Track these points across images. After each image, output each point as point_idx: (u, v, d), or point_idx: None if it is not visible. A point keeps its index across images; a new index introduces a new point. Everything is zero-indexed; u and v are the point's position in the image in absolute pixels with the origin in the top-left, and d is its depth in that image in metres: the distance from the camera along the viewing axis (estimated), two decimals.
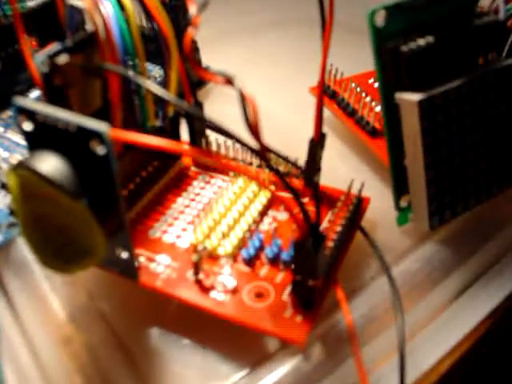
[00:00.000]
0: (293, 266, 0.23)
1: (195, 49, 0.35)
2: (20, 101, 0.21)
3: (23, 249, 0.28)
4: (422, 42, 0.25)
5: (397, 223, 0.28)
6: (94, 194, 0.21)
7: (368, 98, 0.33)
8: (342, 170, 0.32)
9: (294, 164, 0.28)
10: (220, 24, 0.47)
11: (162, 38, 0.26)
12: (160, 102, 0.28)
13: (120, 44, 0.24)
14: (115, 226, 0.22)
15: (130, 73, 0.25)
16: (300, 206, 0.21)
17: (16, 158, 0.32)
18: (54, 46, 0.24)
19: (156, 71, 0.36)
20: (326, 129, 0.27)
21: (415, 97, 0.24)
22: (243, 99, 0.21)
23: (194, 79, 0.29)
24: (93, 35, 0.24)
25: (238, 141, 0.21)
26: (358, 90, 0.34)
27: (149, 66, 0.36)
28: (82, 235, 0.22)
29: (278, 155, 0.26)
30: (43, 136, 0.22)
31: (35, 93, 0.36)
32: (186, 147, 0.28)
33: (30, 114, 0.21)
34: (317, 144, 0.27)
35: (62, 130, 0.21)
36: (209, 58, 0.37)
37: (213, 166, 0.30)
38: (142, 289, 0.25)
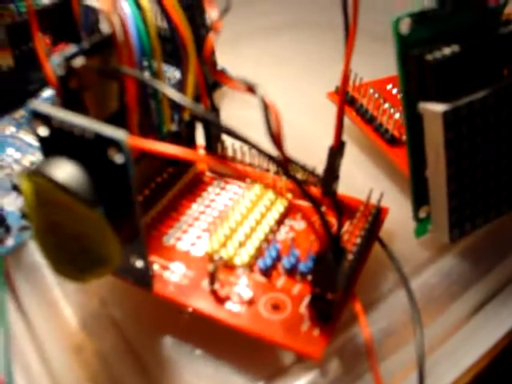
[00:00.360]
0: (311, 279, 0.23)
1: (212, 52, 0.34)
2: (35, 105, 0.21)
3: (35, 253, 0.27)
4: (447, 50, 0.24)
5: (415, 234, 0.27)
6: (109, 201, 0.21)
7: (387, 105, 0.32)
8: (358, 178, 0.31)
9: (312, 173, 0.27)
10: (235, 26, 0.46)
11: (180, 39, 0.26)
12: (176, 106, 0.27)
13: (137, 46, 0.24)
14: (130, 234, 0.22)
15: (147, 76, 0.24)
16: (320, 217, 0.21)
17: (28, 159, 0.31)
18: (70, 49, 0.23)
19: (171, 72, 0.35)
20: (343, 135, 0.26)
21: (440, 107, 0.24)
22: (266, 108, 0.20)
23: (210, 81, 0.28)
24: (110, 37, 0.23)
25: (255, 147, 0.20)
26: (377, 96, 0.33)
27: (163, 67, 0.35)
28: (96, 243, 0.21)
29: (296, 164, 0.26)
30: (59, 142, 0.21)
31: (48, 92, 0.35)
32: (203, 155, 0.27)
33: (46, 119, 0.21)
34: (336, 152, 0.26)
35: (79, 137, 0.20)
36: (223, 59, 0.36)
37: (229, 173, 0.29)
38: (156, 297, 0.24)
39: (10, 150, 0.32)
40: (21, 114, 0.34)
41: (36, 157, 0.31)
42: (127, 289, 0.26)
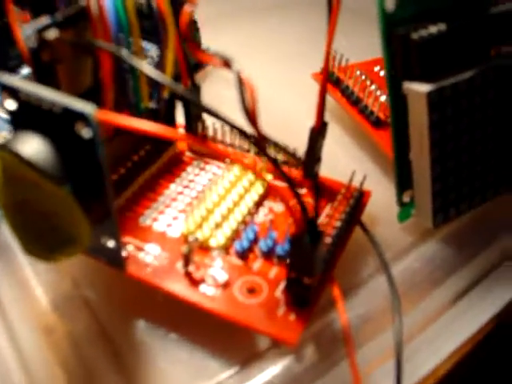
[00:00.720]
0: (288, 262, 0.22)
1: (195, 29, 0.33)
2: (2, 77, 0.20)
3: (5, 232, 0.26)
4: (433, 29, 0.23)
5: (398, 219, 0.26)
6: (79, 179, 0.20)
7: (373, 87, 0.31)
8: (342, 160, 0.30)
9: (293, 154, 0.26)
10: (221, 4, 0.45)
11: (158, 14, 0.25)
12: (155, 83, 0.26)
13: (113, 20, 0.23)
14: (101, 214, 0.21)
15: (123, 52, 0.23)
16: (297, 198, 0.20)
17: (3, 135, 0.30)
18: (42, 20, 0.22)
19: (154, 51, 0.34)
20: (327, 117, 0.25)
21: (424, 88, 0.23)
22: (241, 83, 0.19)
23: (192, 61, 0.27)
24: (85, 9, 0.22)
25: (234, 127, 0.19)
26: (363, 77, 0.32)
27: (146, 45, 0.34)
28: (65, 222, 0.20)
29: (276, 144, 0.25)
30: (27, 116, 0.20)
31: (27, 69, 0.34)
32: (179, 133, 0.26)
33: (13, 92, 0.20)
34: (318, 133, 0.25)
35: (47, 111, 0.19)
36: (208, 39, 0.35)
37: (207, 152, 0.28)
38: (130, 278, 0.23)
39: None
40: None
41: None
42: (101, 269, 0.25)
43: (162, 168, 0.28)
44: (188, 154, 0.29)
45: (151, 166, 0.27)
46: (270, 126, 0.21)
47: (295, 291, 0.22)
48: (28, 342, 0.24)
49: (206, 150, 0.27)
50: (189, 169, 0.28)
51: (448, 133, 0.23)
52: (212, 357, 0.23)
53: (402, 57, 0.23)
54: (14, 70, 0.34)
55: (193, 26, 0.32)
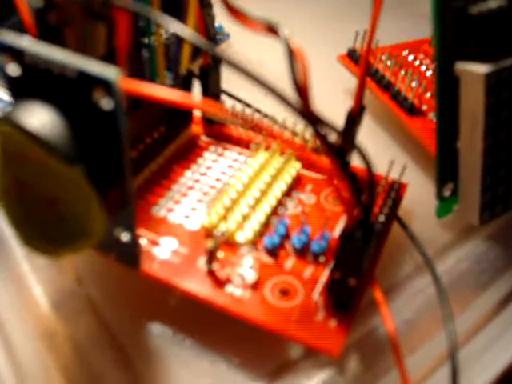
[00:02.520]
0: (334, 261, 0.18)
1: (208, 4, 0.29)
2: (4, 36, 0.16)
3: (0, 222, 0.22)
4: (493, 4, 0.19)
5: (436, 214, 0.23)
6: (93, 159, 0.16)
7: (403, 72, 0.28)
8: (371, 150, 0.26)
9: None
10: None
11: None
12: (173, 57, 0.22)
13: None
14: (117, 202, 0.17)
15: (145, 8, 0.19)
16: (353, 189, 0.16)
17: None
18: None
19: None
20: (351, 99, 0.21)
21: (482, 69, 0.19)
22: (290, 53, 0.16)
23: (212, 34, 0.24)
24: None
25: (279, 96, 0.15)
26: (393, 61, 0.28)
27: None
28: (76, 211, 0.16)
29: (324, 122, 0.21)
30: (32, 83, 0.16)
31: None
32: (216, 105, 0.22)
33: (17, 54, 0.16)
34: (355, 117, 0.21)
35: (57, 76, 0.15)
36: (222, 17, 0.31)
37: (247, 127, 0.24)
38: (142, 276, 0.20)
39: None
40: None
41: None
42: (107, 265, 0.21)
43: (175, 153, 0.24)
44: (204, 138, 0.25)
45: (164, 151, 0.23)
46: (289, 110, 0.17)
47: (338, 294, 0.18)
48: (25, 348, 0.20)
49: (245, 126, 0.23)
50: (205, 154, 0.24)
51: (502, 120, 0.20)
52: (237, 368, 0.19)
53: (457, 34, 0.20)
54: None
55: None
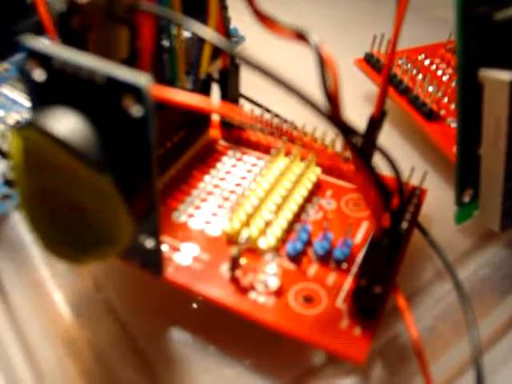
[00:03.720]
0: (359, 269, 0.18)
1: (223, 6, 0.28)
2: (32, 42, 0.15)
3: (19, 226, 0.22)
4: None
5: (455, 220, 0.22)
6: (120, 166, 0.15)
7: (420, 76, 0.27)
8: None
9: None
10: None
11: None
12: (194, 61, 0.22)
13: None
14: (144, 208, 0.17)
15: (169, 12, 0.19)
16: (382, 197, 0.16)
17: (13, 117, 0.25)
18: None
19: None
20: (372, 108, 0.21)
21: (507, 76, 0.19)
22: (321, 60, 0.15)
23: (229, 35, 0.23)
24: None
25: (310, 102, 0.15)
26: (410, 67, 0.28)
27: None
28: (102, 218, 0.16)
29: (355, 131, 0.20)
30: (59, 88, 0.16)
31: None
32: (251, 114, 0.22)
33: (44, 60, 0.15)
34: (376, 122, 0.21)
35: (86, 82, 0.15)
36: (237, 19, 0.31)
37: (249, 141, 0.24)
38: (163, 282, 0.19)
39: None
40: (4, 67, 0.28)
41: (22, 116, 0.25)
42: (126, 270, 0.21)
43: (194, 157, 0.23)
44: (222, 142, 0.24)
45: (183, 155, 0.23)
46: (306, 114, 0.16)
47: (363, 301, 0.18)
48: (45, 353, 0.19)
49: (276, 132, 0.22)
50: (224, 159, 0.23)
51: None
52: (260, 374, 0.19)
53: (481, 40, 0.19)
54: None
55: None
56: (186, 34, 0.31)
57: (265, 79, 0.15)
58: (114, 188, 0.15)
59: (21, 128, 0.15)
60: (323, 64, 0.15)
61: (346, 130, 0.15)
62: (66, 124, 0.15)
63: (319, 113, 0.15)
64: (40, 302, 0.20)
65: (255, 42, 0.33)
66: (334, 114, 0.15)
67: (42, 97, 0.16)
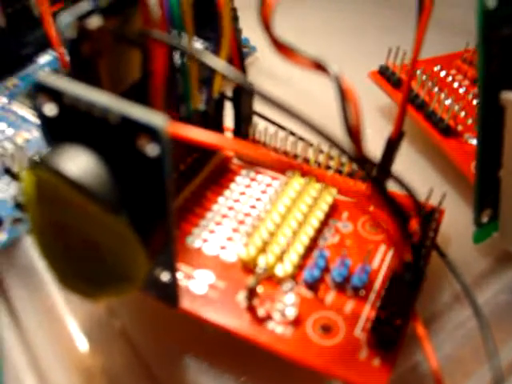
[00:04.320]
0: (380, 301, 0.17)
1: (234, 18, 0.28)
2: (42, 77, 0.15)
3: (31, 250, 0.21)
4: None
5: (473, 240, 0.22)
6: (136, 205, 0.15)
7: (436, 89, 0.26)
8: (405, 172, 0.25)
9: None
10: None
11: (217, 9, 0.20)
12: (205, 82, 0.21)
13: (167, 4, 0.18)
14: (160, 244, 0.16)
15: (181, 42, 0.18)
16: (403, 232, 0.15)
17: (23, 136, 0.24)
18: (82, 5, 0.17)
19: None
20: (385, 123, 0.20)
21: None
22: (342, 93, 0.15)
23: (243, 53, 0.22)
24: None
25: (326, 137, 0.14)
26: (427, 79, 0.27)
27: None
28: (117, 254, 0.15)
29: (373, 163, 0.19)
30: (71, 124, 0.15)
31: (45, 57, 0.28)
32: (265, 152, 0.21)
33: (56, 95, 0.15)
34: (394, 143, 0.20)
35: (99, 119, 0.14)
36: (247, 30, 0.30)
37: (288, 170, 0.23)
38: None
39: (1, 125, 0.25)
40: (13, 82, 0.28)
41: (32, 134, 0.25)
42: (140, 296, 0.20)
43: (208, 177, 0.23)
44: (235, 161, 0.24)
45: (197, 176, 0.22)
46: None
47: (383, 332, 0.18)
48: (58, 379, 0.19)
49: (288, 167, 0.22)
50: (238, 179, 0.23)
51: None
52: None
53: (503, 62, 0.19)
54: (29, 57, 0.28)
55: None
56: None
57: (279, 112, 0.15)
58: (129, 229, 0.15)
59: (33, 166, 0.15)
60: (344, 96, 0.15)
61: (367, 165, 0.15)
62: (78, 163, 0.15)
63: (339, 149, 0.14)
64: (53, 327, 0.20)
65: (266, 52, 0.32)
66: (356, 152, 0.15)
67: (54, 131, 0.16)
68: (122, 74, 0.19)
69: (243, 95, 0.23)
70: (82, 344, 0.20)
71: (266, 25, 0.16)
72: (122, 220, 0.14)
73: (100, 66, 0.18)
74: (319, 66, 0.15)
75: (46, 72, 0.16)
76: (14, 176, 0.23)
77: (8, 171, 0.23)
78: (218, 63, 0.16)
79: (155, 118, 0.13)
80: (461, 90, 0.27)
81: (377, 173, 0.21)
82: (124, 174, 0.15)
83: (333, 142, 0.14)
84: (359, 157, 0.15)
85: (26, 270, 0.21)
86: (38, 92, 0.15)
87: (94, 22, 0.16)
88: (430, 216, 0.21)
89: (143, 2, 0.17)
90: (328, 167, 0.23)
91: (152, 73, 0.18)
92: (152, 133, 0.14)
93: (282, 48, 0.16)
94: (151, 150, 0.14)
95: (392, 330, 0.17)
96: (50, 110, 0.15)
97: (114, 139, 0.14)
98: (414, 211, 0.17)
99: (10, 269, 0.21)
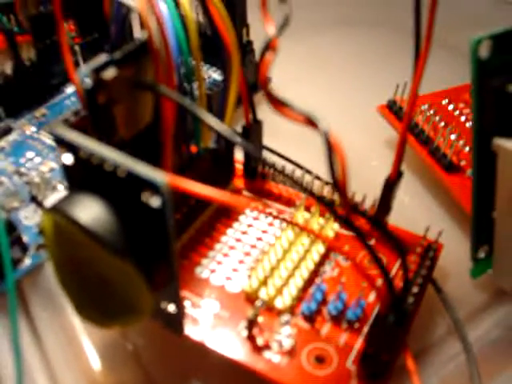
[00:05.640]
0: (366, 337, 0.19)
1: (250, 50, 0.29)
2: (60, 131, 0.17)
3: (49, 277, 0.23)
4: None
5: (470, 275, 0.23)
6: (141, 249, 0.17)
7: (442, 124, 0.28)
8: (407, 206, 0.27)
9: (371, 218, 0.22)
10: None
11: (224, 46, 0.21)
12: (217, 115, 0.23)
13: (176, 54, 0.20)
14: (164, 281, 0.18)
15: (187, 101, 0.20)
16: (384, 276, 0.17)
17: (49, 165, 0.27)
18: (99, 58, 0.19)
19: (203, 71, 0.31)
20: (391, 156, 0.21)
21: None
22: (330, 147, 0.16)
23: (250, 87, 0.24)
24: (145, 44, 0.19)
25: (306, 190, 0.16)
26: (432, 112, 0.28)
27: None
28: (125, 291, 0.17)
29: (358, 212, 0.21)
30: (85, 173, 0.17)
31: (72, 87, 0.31)
32: (255, 203, 0.23)
33: (73, 149, 0.17)
34: (393, 183, 0.22)
35: (109, 172, 0.16)
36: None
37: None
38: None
39: (29, 154, 0.28)
40: (42, 112, 0.30)
41: (58, 163, 0.27)
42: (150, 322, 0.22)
43: (218, 209, 0.25)
44: (246, 193, 0.26)
45: (208, 208, 0.24)
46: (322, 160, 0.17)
47: (370, 366, 0.19)
48: None
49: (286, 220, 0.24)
50: (247, 211, 0.24)
51: None
52: None
53: (495, 110, 0.20)
54: (57, 87, 0.31)
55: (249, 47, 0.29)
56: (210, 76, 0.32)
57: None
58: (135, 270, 0.16)
59: (50, 211, 0.17)
60: (331, 150, 0.16)
61: (350, 214, 0.16)
62: (90, 211, 0.17)
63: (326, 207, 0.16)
64: (71, 347, 0.22)
65: (282, 81, 0.34)
66: (342, 202, 0.16)
67: (71, 176, 0.18)
68: (136, 118, 0.21)
69: (252, 133, 0.24)
70: (96, 363, 0.22)
71: (263, 81, 0.18)
72: (129, 262, 0.16)
73: (115, 111, 0.20)
74: (310, 122, 0.17)
75: (64, 126, 0.18)
76: (40, 204, 0.25)
77: (34, 199, 0.25)
78: (222, 127, 0.18)
79: (157, 176, 0.15)
80: (467, 124, 0.28)
81: (376, 211, 0.22)
82: (130, 221, 0.17)
83: (318, 199, 0.16)
84: (345, 208, 0.16)
85: (47, 294, 0.23)
86: (58, 143, 0.17)
87: (110, 73, 0.18)
88: (425, 252, 0.22)
89: (152, 52, 0.19)
90: (332, 201, 0.24)
91: (162, 119, 0.20)
92: (154, 188, 0.15)
93: (276, 103, 0.17)
94: (154, 201, 0.16)
95: (379, 364, 0.19)
96: (68, 159, 0.17)
97: (122, 190, 0.16)
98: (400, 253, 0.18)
99: (34, 292, 0.23)
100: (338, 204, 0.24)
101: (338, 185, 0.16)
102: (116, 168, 0.16)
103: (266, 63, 0.17)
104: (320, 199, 0.21)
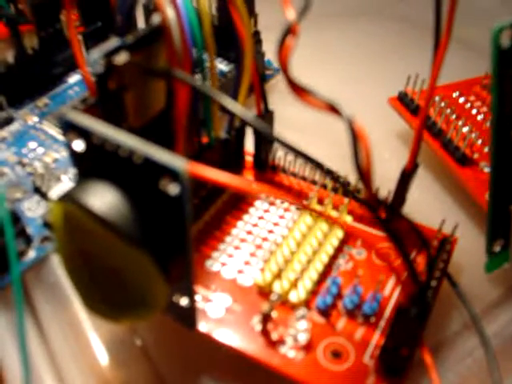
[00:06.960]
0: (388, 331, 0.18)
1: (257, 41, 0.29)
2: (72, 116, 0.16)
3: (58, 269, 0.23)
4: None
5: (485, 269, 0.23)
6: (157, 237, 0.16)
7: (454, 116, 0.27)
8: (420, 199, 0.26)
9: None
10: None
11: (238, 37, 0.21)
12: (227, 112, 0.22)
13: (191, 41, 0.19)
14: (179, 274, 0.17)
15: (202, 84, 0.19)
16: (409, 267, 0.16)
17: (52, 156, 0.26)
18: (111, 42, 0.18)
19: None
20: (403, 148, 0.21)
21: None
22: (354, 135, 0.16)
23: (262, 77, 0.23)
24: (157, 30, 0.18)
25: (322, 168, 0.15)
26: (445, 106, 0.27)
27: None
28: (139, 283, 0.17)
29: (381, 202, 0.20)
30: (98, 161, 0.16)
31: (75, 77, 0.30)
32: (276, 191, 0.22)
33: (84, 133, 0.16)
34: (409, 175, 0.21)
35: (124, 159, 0.15)
36: (269, 50, 0.31)
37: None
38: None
39: (32, 144, 0.27)
40: (44, 102, 0.29)
41: (61, 154, 0.26)
42: (160, 317, 0.21)
43: (228, 201, 0.24)
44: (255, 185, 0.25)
45: (217, 200, 0.23)
46: (338, 157, 0.17)
47: (389, 361, 0.19)
48: None
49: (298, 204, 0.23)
50: (257, 203, 0.24)
51: None
52: None
53: None
54: (60, 77, 0.30)
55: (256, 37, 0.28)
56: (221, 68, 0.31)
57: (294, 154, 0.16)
58: (150, 261, 0.16)
59: (61, 200, 0.16)
60: (355, 138, 0.16)
61: (376, 207, 0.16)
62: (103, 199, 0.16)
63: (351, 195, 0.15)
64: (77, 342, 0.22)
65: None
66: (366, 193, 0.16)
67: (82, 165, 0.17)
68: (147, 105, 0.20)
69: (264, 121, 0.24)
70: (104, 359, 0.21)
71: (284, 67, 0.17)
72: (144, 253, 0.16)
73: (126, 98, 0.19)
74: (333, 109, 0.16)
75: (75, 111, 0.17)
76: (44, 195, 0.24)
77: (38, 190, 0.24)
78: (237, 108, 0.17)
79: (176, 162, 0.15)
80: (479, 117, 0.28)
81: (391, 202, 0.22)
82: (146, 210, 0.16)
83: (342, 184, 0.15)
84: (369, 197, 0.16)
85: (52, 287, 0.23)
86: (69, 130, 0.16)
87: (122, 57, 0.18)
88: (440, 246, 0.22)
89: (167, 36, 0.18)
90: (345, 193, 0.24)
91: (175, 106, 0.19)
92: (173, 174, 0.15)
93: (298, 90, 0.17)
94: (172, 189, 0.15)
95: (398, 359, 0.18)
96: (79, 146, 0.16)
97: (138, 177, 0.15)
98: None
99: (38, 285, 0.23)
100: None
101: (363, 173, 0.16)
102: (132, 154, 0.15)
103: (287, 48, 0.17)
104: (344, 185, 0.20)
